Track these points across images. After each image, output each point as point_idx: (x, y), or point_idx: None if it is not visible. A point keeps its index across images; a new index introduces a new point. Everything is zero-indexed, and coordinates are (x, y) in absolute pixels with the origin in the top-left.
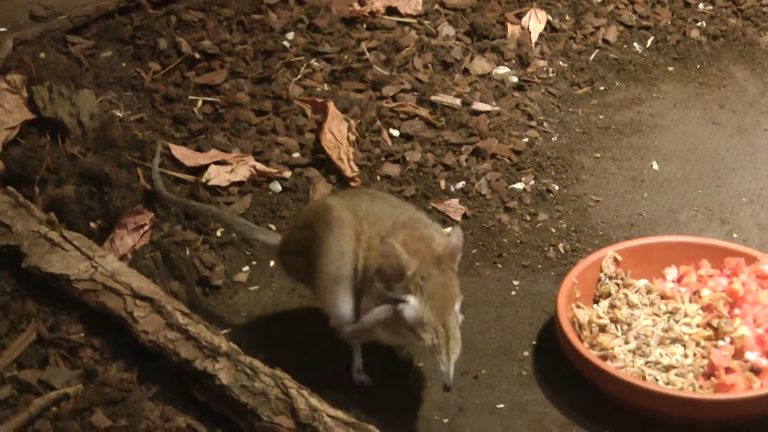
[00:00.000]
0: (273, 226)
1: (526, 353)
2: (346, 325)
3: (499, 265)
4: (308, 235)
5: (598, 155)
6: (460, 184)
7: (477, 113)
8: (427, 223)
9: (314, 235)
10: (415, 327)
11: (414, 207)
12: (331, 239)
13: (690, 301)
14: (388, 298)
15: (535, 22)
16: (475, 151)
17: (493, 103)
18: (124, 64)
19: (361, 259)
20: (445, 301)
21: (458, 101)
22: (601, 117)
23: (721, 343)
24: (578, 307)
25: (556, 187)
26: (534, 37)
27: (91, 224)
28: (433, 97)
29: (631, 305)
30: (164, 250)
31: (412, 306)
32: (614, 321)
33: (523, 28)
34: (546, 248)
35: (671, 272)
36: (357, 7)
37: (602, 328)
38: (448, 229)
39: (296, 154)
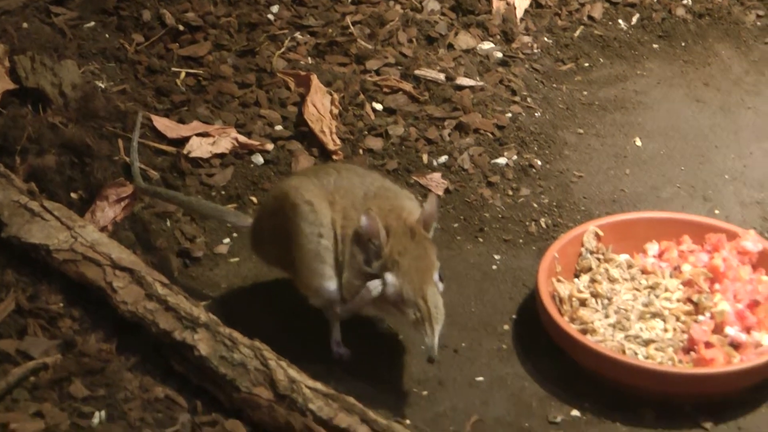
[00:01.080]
0: (255, 199)
1: (506, 327)
2: (335, 302)
3: (481, 240)
4: (280, 220)
5: (581, 131)
6: (443, 159)
7: (461, 88)
8: (396, 191)
9: (286, 219)
10: (396, 303)
11: (381, 175)
12: (304, 218)
13: (670, 276)
14: (368, 273)
15: None
16: (458, 126)
17: (477, 78)
18: (107, 35)
19: (339, 229)
20: (422, 273)
21: (442, 76)
22: (585, 93)
23: (701, 318)
24: (559, 281)
25: (539, 163)
26: (519, 13)
27: (72, 195)
28: (417, 72)
29: (611, 280)
30: (145, 221)
31: (390, 284)
32: (595, 295)
33: (508, 3)
34: (528, 223)
35: (652, 248)
36: None
37: (582, 303)
38: None
39: (279, 127)
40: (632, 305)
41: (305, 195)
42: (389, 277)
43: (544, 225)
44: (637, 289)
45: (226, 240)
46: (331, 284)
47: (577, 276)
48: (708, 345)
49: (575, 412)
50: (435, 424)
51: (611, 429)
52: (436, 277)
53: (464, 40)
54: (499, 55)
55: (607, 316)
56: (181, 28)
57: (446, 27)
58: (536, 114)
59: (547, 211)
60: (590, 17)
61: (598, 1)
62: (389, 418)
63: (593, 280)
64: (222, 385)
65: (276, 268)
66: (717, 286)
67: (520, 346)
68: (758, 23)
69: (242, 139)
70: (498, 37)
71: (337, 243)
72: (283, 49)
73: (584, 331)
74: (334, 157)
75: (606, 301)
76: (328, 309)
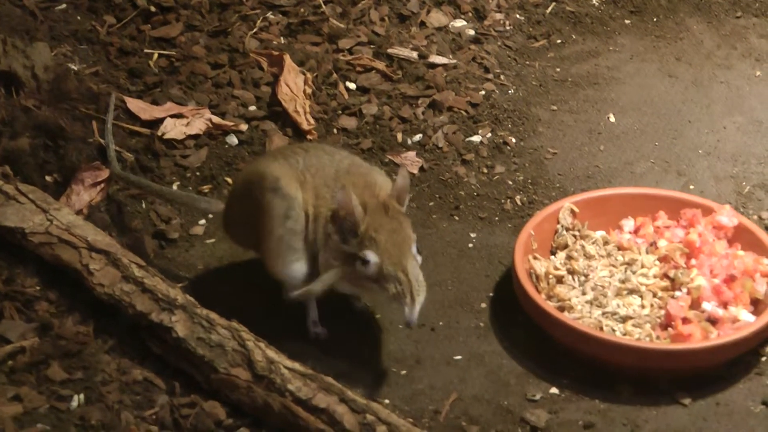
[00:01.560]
0: (229, 179)
1: (483, 305)
2: (297, 286)
3: (456, 218)
4: (249, 203)
5: (554, 108)
6: (417, 137)
7: (434, 66)
8: (367, 167)
9: (255, 201)
10: (377, 279)
11: (349, 152)
12: (272, 202)
13: (647, 252)
14: (346, 252)
15: None
16: (431, 104)
17: (450, 56)
18: (79, 17)
19: (311, 208)
20: (400, 247)
21: (415, 54)
22: (558, 70)
23: (677, 293)
24: (535, 258)
25: (513, 140)
26: None
27: (47, 178)
28: (389, 50)
29: (588, 256)
30: (120, 203)
31: (370, 262)
32: (571, 272)
33: None
34: (503, 200)
35: (628, 224)
36: None
37: (559, 280)
38: None
39: (252, 107)
40: (609, 282)
41: (273, 177)
42: (369, 254)
43: (519, 202)
44: (614, 266)
45: (202, 221)
46: (298, 267)
47: (553, 253)
48: (685, 320)
49: (553, 390)
50: (413, 403)
51: (589, 405)
52: (414, 250)
53: (436, 17)
54: (472, 32)
55: (584, 293)
56: (152, 9)
57: (418, 5)
58: (509, 91)
59: (522, 188)
60: None
61: None
62: (368, 397)
63: (570, 257)
64: (200, 367)
65: (247, 249)
66: (693, 261)
67: (497, 323)
68: None
69: (216, 119)
70: (470, 14)
71: (308, 223)
72: (255, 29)
73: (561, 308)
74: (309, 136)
75: (583, 278)
76: (291, 293)
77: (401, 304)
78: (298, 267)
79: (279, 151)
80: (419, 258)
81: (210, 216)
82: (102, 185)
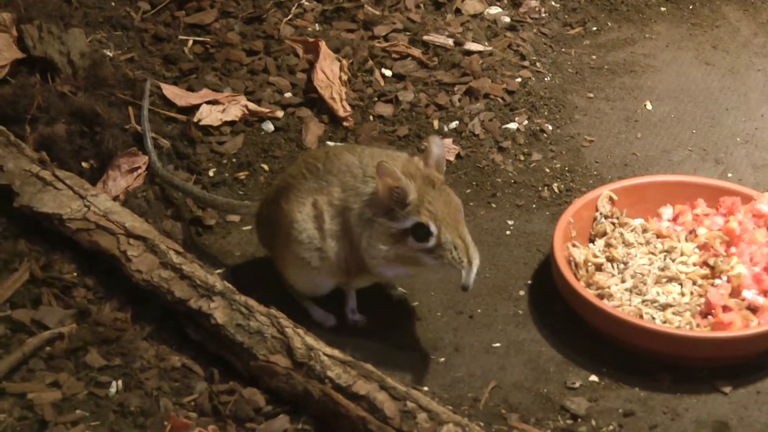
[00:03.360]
0: (266, 166)
1: (521, 292)
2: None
3: (493, 205)
4: (274, 214)
5: (591, 95)
6: (453, 124)
7: (469, 53)
8: (388, 153)
9: (278, 220)
10: (433, 249)
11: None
12: (292, 233)
13: (686, 240)
14: (395, 231)
15: None
16: (467, 91)
17: (486, 44)
18: (113, 3)
19: (335, 202)
20: (455, 214)
21: (450, 41)
22: (594, 57)
23: (717, 281)
24: (574, 246)
25: (550, 127)
26: None
27: (83, 164)
28: (425, 37)
29: (627, 244)
30: (156, 190)
31: (432, 233)
32: (610, 260)
33: None
34: (540, 188)
35: (666, 211)
36: None
37: (598, 267)
38: None
39: (288, 94)
40: (648, 269)
41: (294, 209)
42: (431, 225)
43: (556, 190)
44: (653, 253)
45: None
46: (325, 283)
47: (592, 241)
48: (725, 308)
49: (593, 377)
50: (452, 390)
51: (629, 394)
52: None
53: (472, 5)
54: (507, 19)
55: (623, 281)
56: None
57: None
58: (546, 78)
59: (560, 176)
60: None
61: None
62: (407, 384)
63: (608, 245)
64: (239, 353)
65: (266, 249)
66: (733, 249)
67: (535, 311)
68: None
69: (252, 106)
70: (505, 1)
71: (322, 225)
72: (290, 16)
73: (601, 296)
74: (345, 123)
75: (622, 266)
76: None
77: (459, 268)
78: (325, 283)
79: (303, 160)
80: None
81: (246, 203)
82: (139, 171)
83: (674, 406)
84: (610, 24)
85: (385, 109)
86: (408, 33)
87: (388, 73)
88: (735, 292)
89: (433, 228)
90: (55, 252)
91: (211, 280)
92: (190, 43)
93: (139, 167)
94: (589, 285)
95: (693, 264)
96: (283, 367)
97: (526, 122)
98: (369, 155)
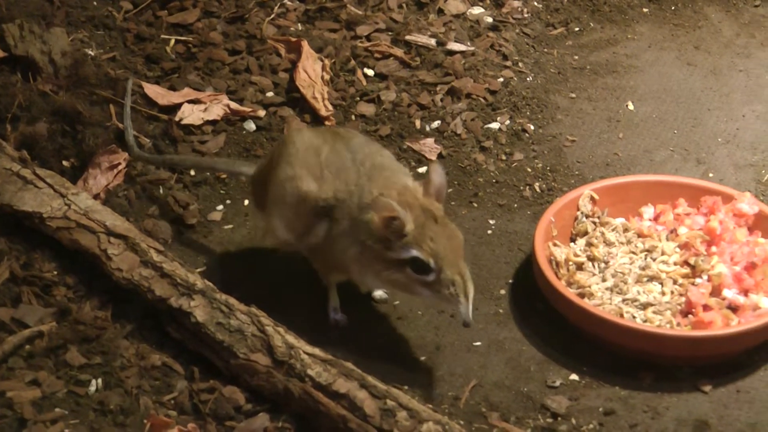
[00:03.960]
0: None
1: (502, 291)
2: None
3: (475, 205)
4: (272, 162)
5: (573, 95)
6: (436, 124)
7: (452, 53)
8: (390, 168)
9: (276, 160)
10: (432, 284)
11: (373, 148)
12: (287, 161)
13: (667, 240)
14: (392, 259)
15: None
16: (450, 91)
17: (468, 43)
18: (95, 3)
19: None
20: (456, 251)
21: (433, 41)
22: (576, 57)
23: (698, 280)
24: (555, 245)
25: (532, 127)
26: None
27: (64, 163)
28: (407, 37)
29: (608, 243)
30: (138, 189)
31: (433, 270)
32: (591, 259)
33: None
34: (522, 187)
35: (648, 211)
36: None
37: (579, 266)
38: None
39: (270, 93)
40: (629, 268)
41: (291, 174)
42: (431, 261)
43: (538, 189)
44: (634, 253)
45: (220, 207)
46: (283, 234)
47: (573, 240)
48: (706, 307)
49: (574, 376)
50: (434, 389)
51: (610, 392)
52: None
53: (454, 5)
54: (490, 20)
55: (604, 280)
56: None
57: None
58: (528, 78)
59: (541, 176)
60: None
61: None
62: (387, 383)
63: (590, 244)
64: (219, 352)
65: (254, 207)
66: (714, 248)
67: (517, 310)
68: None
69: (234, 105)
70: (488, 1)
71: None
72: (272, 16)
73: (582, 295)
74: (326, 122)
75: (603, 265)
76: (326, 275)
77: (455, 304)
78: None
79: (322, 131)
80: None
81: (228, 202)
82: (119, 168)
83: (655, 405)
84: (592, 24)
85: (368, 109)
86: (390, 33)
87: (370, 72)
88: (715, 291)
89: (433, 265)
90: (36, 250)
91: (191, 279)
92: (173, 42)
93: (119, 164)
94: (570, 284)
95: (674, 263)
96: (263, 366)
97: (508, 122)
98: (367, 175)
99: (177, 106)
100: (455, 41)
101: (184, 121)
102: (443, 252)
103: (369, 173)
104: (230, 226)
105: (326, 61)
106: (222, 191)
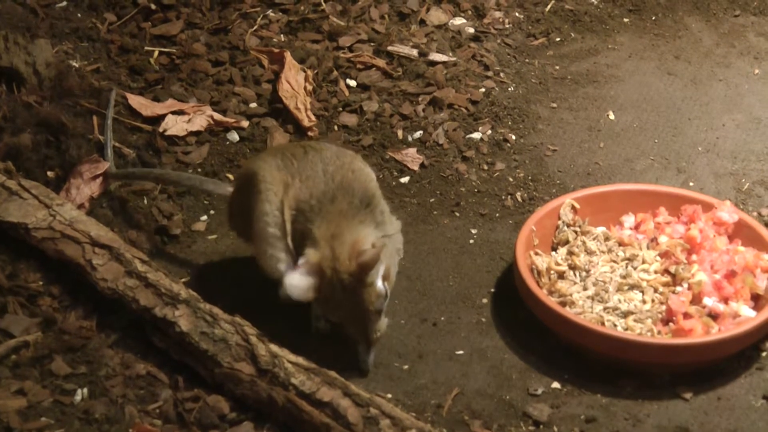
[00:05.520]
0: (231, 176)
1: (484, 300)
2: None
3: (457, 214)
4: (243, 197)
5: (554, 105)
6: (418, 134)
7: (434, 64)
8: (354, 189)
9: (247, 198)
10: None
11: (346, 160)
12: (258, 204)
13: (648, 248)
14: None
15: None
16: (432, 101)
17: (450, 54)
18: (79, 15)
19: (288, 217)
20: (361, 320)
21: (415, 52)
22: (557, 68)
23: (678, 288)
24: (537, 254)
25: (513, 137)
26: None
27: (49, 173)
28: (389, 48)
29: (589, 252)
30: (122, 199)
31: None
32: (573, 268)
33: None
34: (503, 197)
35: (628, 220)
36: None
37: (561, 275)
38: (406, 178)
39: (253, 104)
40: (610, 277)
41: (264, 177)
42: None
43: (519, 198)
44: (615, 261)
45: (204, 217)
46: (280, 265)
47: (554, 249)
48: (686, 316)
49: (555, 384)
50: (416, 397)
51: (591, 400)
52: (379, 283)
53: (436, 15)
54: (471, 30)
55: (585, 288)
56: (153, 6)
57: (418, 3)
58: (509, 89)
59: (523, 185)
60: None
61: None
62: (370, 391)
63: (571, 253)
64: (203, 361)
65: (243, 239)
66: (694, 257)
67: (498, 318)
68: None
69: (217, 116)
70: (469, 12)
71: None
72: (255, 27)
73: (563, 304)
74: (310, 133)
75: (584, 274)
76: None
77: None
78: (281, 264)
79: (281, 148)
80: (388, 288)
81: (212, 212)
82: (101, 178)
83: (636, 412)
84: (573, 35)
85: (350, 119)
86: (373, 44)
87: (352, 83)
88: (696, 300)
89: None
90: (21, 261)
91: (176, 289)
92: (156, 54)
93: (101, 174)
94: (551, 293)
95: (654, 272)
96: (247, 375)
97: (489, 132)
98: (331, 197)
99: (161, 117)
100: (437, 52)
101: (168, 132)
102: (346, 322)
103: (333, 195)
104: (214, 236)
105: (309, 72)
106: (206, 201)
